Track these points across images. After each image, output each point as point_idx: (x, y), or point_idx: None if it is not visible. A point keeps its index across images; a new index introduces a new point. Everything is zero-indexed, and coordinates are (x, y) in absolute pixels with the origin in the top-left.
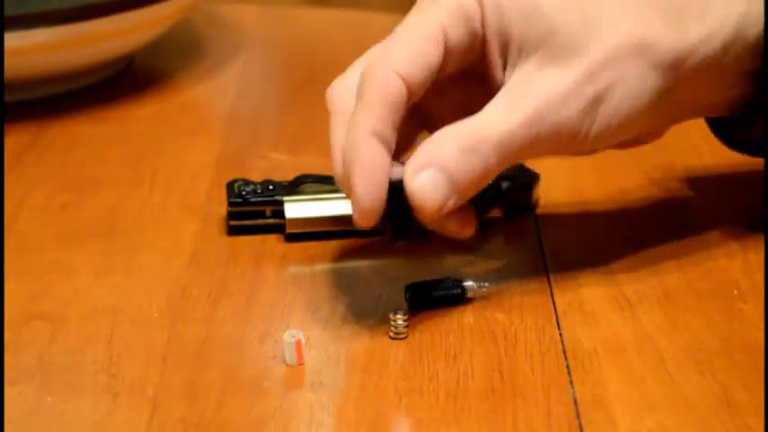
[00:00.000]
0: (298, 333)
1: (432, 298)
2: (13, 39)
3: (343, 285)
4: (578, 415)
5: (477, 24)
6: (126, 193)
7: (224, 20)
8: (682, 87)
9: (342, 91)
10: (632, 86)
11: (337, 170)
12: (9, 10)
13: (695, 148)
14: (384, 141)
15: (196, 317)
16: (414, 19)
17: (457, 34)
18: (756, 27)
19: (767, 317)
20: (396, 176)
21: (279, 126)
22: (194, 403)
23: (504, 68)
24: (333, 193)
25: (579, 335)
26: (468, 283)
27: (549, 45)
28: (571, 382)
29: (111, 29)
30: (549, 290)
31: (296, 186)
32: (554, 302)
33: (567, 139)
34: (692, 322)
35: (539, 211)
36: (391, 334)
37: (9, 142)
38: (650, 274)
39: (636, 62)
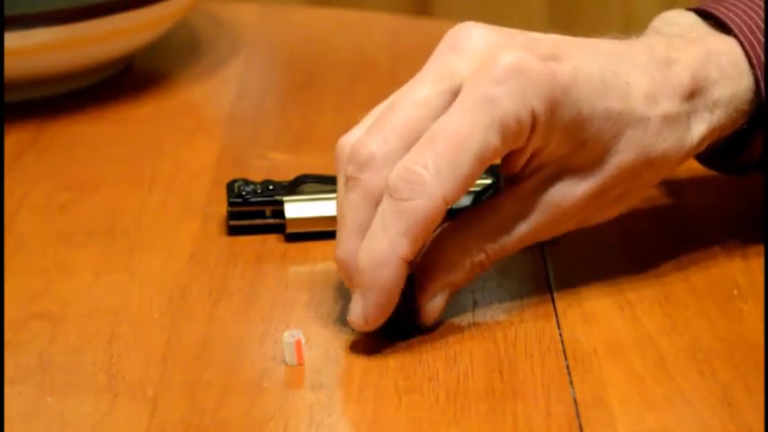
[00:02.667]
0: (298, 333)
1: None
2: (13, 39)
3: (343, 285)
4: (578, 415)
5: (523, 142)
6: (126, 193)
7: (224, 20)
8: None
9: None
10: (642, 190)
11: (344, 248)
12: (9, 10)
13: None
14: (408, 264)
15: (196, 317)
16: (471, 135)
17: (502, 152)
18: (746, 97)
19: (767, 317)
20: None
21: (279, 126)
22: (194, 403)
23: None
24: (333, 193)
25: (579, 335)
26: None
27: (574, 156)
28: (571, 382)
29: (111, 29)
30: (548, 290)
31: (296, 186)
32: (554, 302)
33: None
34: (692, 322)
35: None
36: None
37: (9, 142)
38: (650, 274)
39: (648, 173)
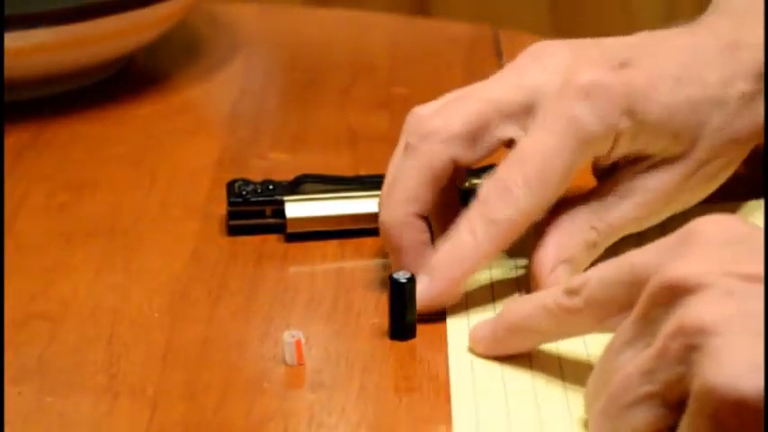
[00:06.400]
0: (298, 333)
1: None
2: (13, 39)
3: (343, 285)
4: None
5: (607, 151)
6: (126, 193)
7: (224, 20)
8: None
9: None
10: (730, 168)
11: (392, 213)
12: (9, 10)
13: None
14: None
15: (196, 317)
16: (557, 155)
17: (587, 163)
18: None
19: (767, 316)
20: (402, 277)
21: (279, 126)
22: (194, 403)
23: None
24: (333, 192)
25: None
26: None
27: (669, 149)
28: None
29: (111, 29)
30: None
31: (296, 186)
32: None
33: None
34: None
35: None
36: None
37: (9, 142)
38: None
39: (734, 151)
